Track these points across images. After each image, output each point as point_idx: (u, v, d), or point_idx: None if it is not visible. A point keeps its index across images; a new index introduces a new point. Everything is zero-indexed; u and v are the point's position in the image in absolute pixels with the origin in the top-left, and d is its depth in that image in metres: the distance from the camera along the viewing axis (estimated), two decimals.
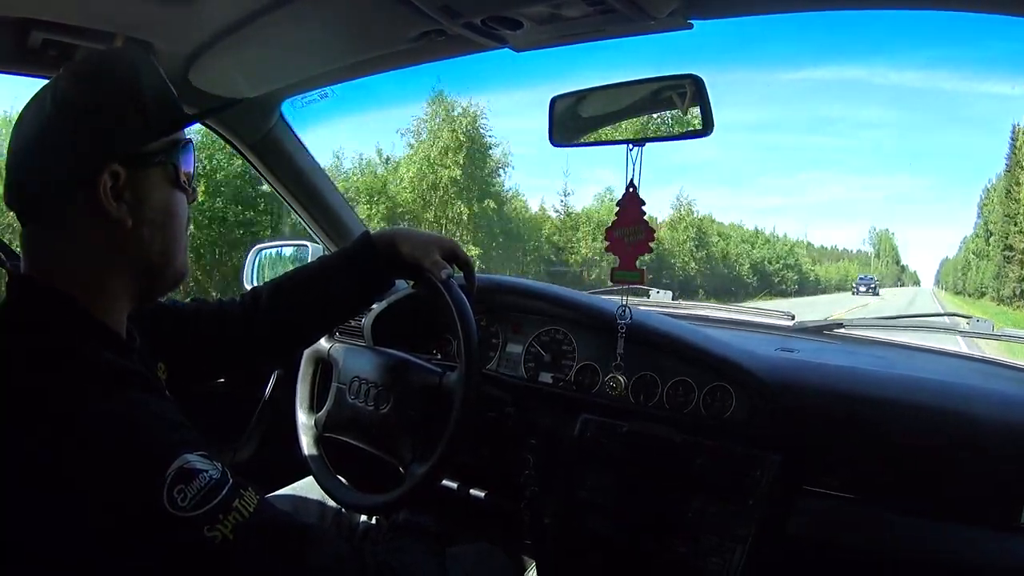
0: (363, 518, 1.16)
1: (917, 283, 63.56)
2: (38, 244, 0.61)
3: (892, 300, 29.33)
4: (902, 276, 67.53)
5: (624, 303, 0.98)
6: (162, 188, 0.64)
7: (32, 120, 0.60)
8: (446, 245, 0.94)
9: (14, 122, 0.62)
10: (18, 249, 0.82)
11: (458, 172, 16.11)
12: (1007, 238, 27.46)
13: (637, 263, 0.94)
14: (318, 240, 1.53)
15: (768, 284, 33.45)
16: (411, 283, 0.99)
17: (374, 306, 1.24)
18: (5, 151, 0.63)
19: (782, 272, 36.60)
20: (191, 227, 0.70)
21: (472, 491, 1.18)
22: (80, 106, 0.60)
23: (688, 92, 0.89)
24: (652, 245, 0.94)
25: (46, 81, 0.62)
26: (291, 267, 1.51)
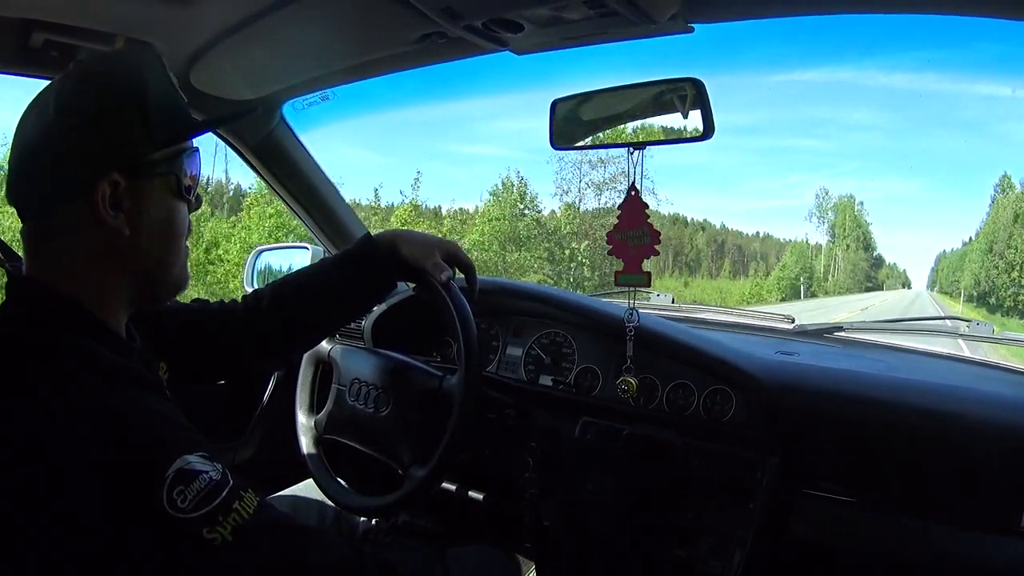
0: (363, 520, 1.16)
1: (906, 284, 47.88)
2: (37, 242, 0.61)
3: None
4: (875, 273, 44.79)
5: (632, 306, 0.98)
6: (163, 198, 0.63)
7: (35, 122, 0.60)
8: (447, 247, 0.93)
9: (18, 119, 0.60)
10: (19, 251, 0.82)
11: None
12: None
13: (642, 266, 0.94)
14: (319, 243, 1.53)
15: None
16: (412, 285, 0.99)
17: (374, 308, 1.24)
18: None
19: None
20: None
21: (472, 493, 1.18)
22: (83, 112, 0.59)
23: (689, 95, 0.88)
24: (658, 248, 0.93)
25: (46, 82, 0.61)
26: (292, 269, 1.51)
